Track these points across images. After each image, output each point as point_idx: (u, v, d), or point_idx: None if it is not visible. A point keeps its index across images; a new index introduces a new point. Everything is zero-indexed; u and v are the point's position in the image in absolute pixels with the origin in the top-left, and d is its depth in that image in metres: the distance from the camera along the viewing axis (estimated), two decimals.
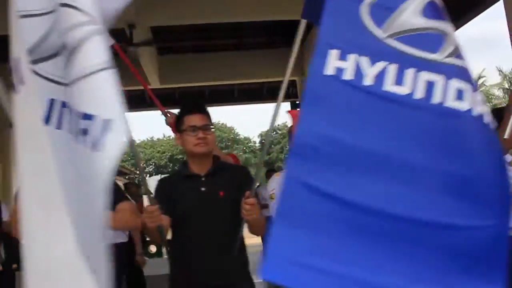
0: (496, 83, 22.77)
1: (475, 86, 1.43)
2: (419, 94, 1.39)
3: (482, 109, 1.39)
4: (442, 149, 1.38)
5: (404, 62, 1.42)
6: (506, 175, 1.36)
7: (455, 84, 1.39)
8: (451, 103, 1.38)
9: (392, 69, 1.41)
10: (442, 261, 1.33)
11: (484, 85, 23.13)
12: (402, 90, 1.40)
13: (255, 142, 41.19)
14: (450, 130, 1.39)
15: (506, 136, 2.08)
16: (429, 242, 1.34)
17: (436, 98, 1.39)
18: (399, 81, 1.40)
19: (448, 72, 1.41)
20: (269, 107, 10.45)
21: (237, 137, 41.08)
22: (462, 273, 1.32)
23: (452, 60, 1.42)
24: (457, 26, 5.68)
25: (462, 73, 1.42)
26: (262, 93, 10.48)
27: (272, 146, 35.96)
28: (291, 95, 9.46)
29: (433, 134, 1.39)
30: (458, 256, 1.33)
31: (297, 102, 9.71)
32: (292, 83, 9.17)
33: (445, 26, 1.44)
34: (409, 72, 1.41)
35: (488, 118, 1.38)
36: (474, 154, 1.37)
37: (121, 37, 5.84)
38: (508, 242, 1.31)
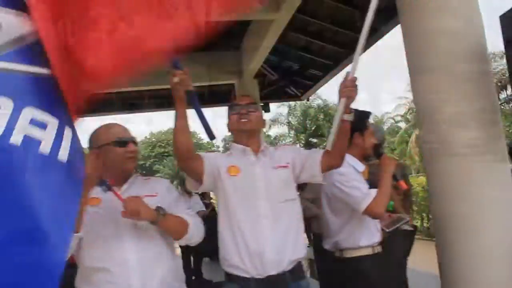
0: None
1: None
2: None
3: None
4: None
5: None
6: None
7: None
8: None
9: None
10: None
11: None
12: None
13: (218, 146, 40.88)
14: None
15: (328, 148, 1.83)
16: None
17: None
18: None
19: None
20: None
21: (200, 142, 40.66)
22: None
23: None
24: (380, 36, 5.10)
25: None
26: (204, 97, 10.23)
27: None
28: (229, 99, 9.24)
29: None
30: None
31: None
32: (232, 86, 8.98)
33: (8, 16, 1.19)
34: None
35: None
36: None
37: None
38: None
